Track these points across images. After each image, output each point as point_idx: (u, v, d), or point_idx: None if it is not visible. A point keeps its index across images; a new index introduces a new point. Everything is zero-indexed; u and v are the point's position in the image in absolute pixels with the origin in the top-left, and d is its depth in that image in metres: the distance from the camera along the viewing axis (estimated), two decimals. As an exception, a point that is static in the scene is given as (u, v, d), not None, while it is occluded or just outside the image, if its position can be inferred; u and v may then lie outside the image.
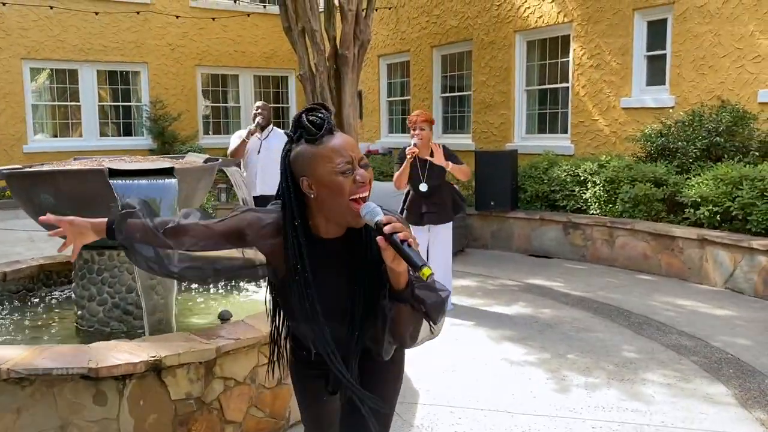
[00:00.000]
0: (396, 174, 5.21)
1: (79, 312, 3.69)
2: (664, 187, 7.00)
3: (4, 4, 12.63)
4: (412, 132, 5.20)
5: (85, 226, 1.83)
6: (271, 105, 11.88)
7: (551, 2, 9.59)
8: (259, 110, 6.15)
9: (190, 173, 3.52)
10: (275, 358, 1.95)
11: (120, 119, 14.66)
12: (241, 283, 4.69)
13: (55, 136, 14.05)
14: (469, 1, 11.00)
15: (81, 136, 14.12)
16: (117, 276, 3.62)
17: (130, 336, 3.60)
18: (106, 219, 1.81)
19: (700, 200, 6.46)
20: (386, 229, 1.53)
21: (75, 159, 4.04)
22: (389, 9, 12.68)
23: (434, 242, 5.36)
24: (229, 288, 4.62)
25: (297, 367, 2.01)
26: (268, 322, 1.99)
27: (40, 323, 3.89)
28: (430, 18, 11.88)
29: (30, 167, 3.54)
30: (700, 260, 6.28)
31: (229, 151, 6.21)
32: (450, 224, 5.38)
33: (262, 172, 6.05)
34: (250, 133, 5.99)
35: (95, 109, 14.15)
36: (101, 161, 3.65)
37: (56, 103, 14.01)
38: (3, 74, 13.07)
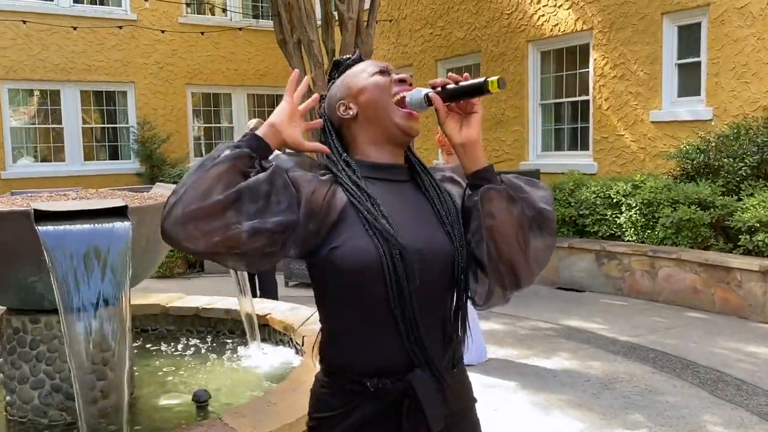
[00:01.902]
0: None
1: (8, 398, 2.81)
2: (711, 210, 6.16)
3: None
4: (445, 155, 4.67)
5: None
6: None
7: (568, 9, 8.81)
8: (254, 130, 5.35)
9: (151, 212, 2.64)
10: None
11: (106, 142, 13.82)
12: (226, 340, 3.83)
13: (37, 161, 13.20)
14: (476, 11, 10.24)
15: (64, 160, 13.27)
16: (56, 349, 2.73)
17: (75, 429, 2.72)
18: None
19: (758, 225, 5.61)
20: (435, 82, 1.28)
21: (12, 193, 3.18)
22: (389, 21, 11.93)
23: None
24: (209, 347, 3.74)
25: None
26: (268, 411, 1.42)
27: (-38, 408, 2.99)
28: (434, 30, 11.11)
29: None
30: (764, 295, 5.41)
31: None
32: None
33: None
34: None
35: (79, 132, 13.30)
36: (38, 197, 2.78)
37: (37, 125, 13.18)
38: (-21, 96, 12.25)
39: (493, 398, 3.92)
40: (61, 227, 2.28)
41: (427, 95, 1.29)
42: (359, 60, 1.43)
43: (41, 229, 2.27)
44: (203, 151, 14.46)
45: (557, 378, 4.24)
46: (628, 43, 8.09)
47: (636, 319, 5.59)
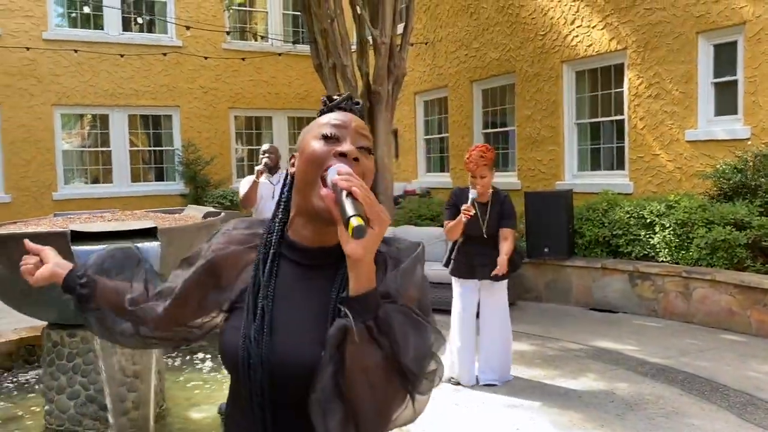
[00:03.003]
0: (448, 225, 4.46)
1: (47, 407, 2.98)
2: (748, 230, 6.05)
3: (28, 49, 12.46)
4: (471, 179, 4.42)
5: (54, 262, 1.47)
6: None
7: (602, 29, 8.82)
8: (266, 153, 5.54)
9: (180, 234, 2.81)
10: None
11: (152, 164, 14.30)
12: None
13: (86, 183, 13.74)
14: (510, 32, 10.32)
15: (112, 182, 13.78)
16: (92, 363, 2.91)
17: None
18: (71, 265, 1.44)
19: (796, 246, 5.50)
20: (334, 178, 1.09)
21: (55, 215, 3.39)
22: (425, 44, 12.10)
23: (487, 303, 4.57)
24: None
25: None
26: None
27: (8, 416, 3.19)
28: (468, 51, 11.22)
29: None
30: (802, 318, 5.29)
31: (240, 197, 5.59)
32: (506, 283, 4.58)
33: None
34: (259, 173, 5.36)
35: (127, 155, 13.82)
36: (77, 218, 2.97)
37: (87, 149, 13.74)
38: (34, 121, 12.85)
39: (516, 417, 3.95)
40: (95, 247, 2.45)
41: (332, 182, 1.11)
42: (348, 103, 1.31)
43: (76, 248, 2.44)
44: (245, 173, 14.80)
45: (582, 399, 4.23)
46: (663, 63, 8.04)
47: (668, 341, 5.52)
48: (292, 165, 1.27)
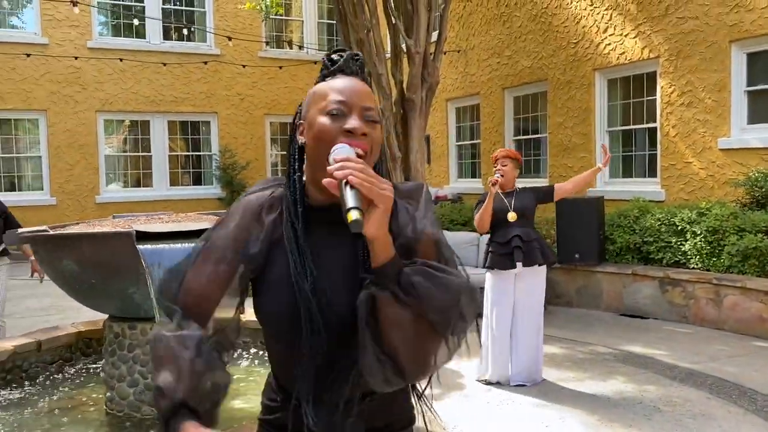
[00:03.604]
0: (478, 214, 4.64)
1: (108, 393, 3.23)
2: (780, 238, 6.09)
3: (76, 58, 12.96)
4: (495, 170, 4.76)
5: None
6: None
7: (635, 38, 8.88)
8: None
9: (232, 234, 3.03)
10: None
11: (190, 168, 14.72)
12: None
13: (127, 187, 14.19)
14: (543, 40, 10.43)
15: (152, 185, 14.21)
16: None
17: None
18: None
19: (828, 254, 5.53)
20: (330, 168, 1.14)
21: (113, 216, 3.64)
22: (458, 52, 12.26)
23: (523, 291, 4.68)
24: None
25: None
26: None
27: (68, 404, 3.44)
28: (501, 59, 11.35)
29: (55, 228, 3.14)
30: (833, 326, 5.32)
31: None
32: (542, 272, 4.71)
33: None
34: None
35: (166, 159, 14.26)
36: (136, 220, 3.22)
37: (128, 153, 14.19)
38: (79, 127, 13.35)
39: (545, 416, 4.09)
40: (158, 246, 2.68)
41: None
42: (352, 65, 1.30)
43: (141, 247, 2.67)
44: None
45: (611, 400, 4.35)
46: (695, 71, 8.08)
47: (698, 347, 5.59)
48: (301, 133, 1.30)
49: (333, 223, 1.24)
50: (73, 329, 4.18)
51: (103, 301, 3.14)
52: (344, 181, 1.11)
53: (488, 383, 4.75)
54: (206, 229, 2.83)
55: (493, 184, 4.58)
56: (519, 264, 4.61)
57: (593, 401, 4.34)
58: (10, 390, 3.62)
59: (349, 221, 1.08)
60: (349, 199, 1.10)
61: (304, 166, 1.30)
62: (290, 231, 1.25)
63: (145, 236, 2.73)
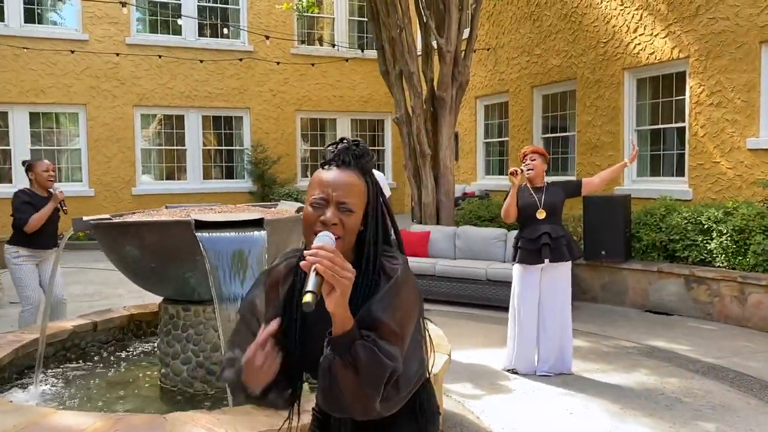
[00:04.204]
0: (504, 205, 4.87)
1: (163, 370, 3.50)
2: (806, 238, 6.16)
3: (117, 55, 13.38)
4: (523, 165, 4.96)
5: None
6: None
7: (665, 38, 8.95)
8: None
9: (280, 224, 3.27)
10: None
11: (222, 162, 15.07)
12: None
13: (162, 179, 14.59)
14: (572, 39, 10.53)
15: (186, 179, 14.60)
16: (202, 333, 3.40)
17: (215, 398, 3.36)
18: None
19: None
20: (306, 252, 1.38)
21: (167, 206, 3.91)
22: (487, 50, 12.40)
23: (549, 286, 4.86)
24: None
25: None
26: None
27: (124, 379, 3.72)
28: (530, 58, 11.47)
29: (117, 217, 3.41)
30: None
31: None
32: (567, 267, 4.88)
33: None
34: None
35: (200, 153, 14.63)
36: (190, 210, 3.47)
37: (163, 147, 14.59)
38: (116, 121, 13.78)
39: (569, 404, 4.27)
40: (215, 234, 2.93)
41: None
42: (340, 158, 1.54)
43: (199, 235, 2.92)
44: (309, 173, 15.40)
45: (634, 391, 4.52)
46: (725, 71, 8.14)
47: (721, 343, 5.71)
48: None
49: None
50: (125, 312, 4.47)
51: (160, 284, 3.40)
52: (312, 267, 1.33)
53: (515, 373, 4.94)
54: (256, 220, 3.07)
55: (513, 174, 4.79)
56: (546, 260, 4.78)
57: (616, 391, 4.51)
58: (71, 365, 3.91)
59: (303, 301, 1.31)
60: (309, 283, 1.32)
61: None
62: (292, 305, 1.54)
63: (202, 225, 2.98)
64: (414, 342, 1.54)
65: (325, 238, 1.43)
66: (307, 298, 1.31)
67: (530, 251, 4.81)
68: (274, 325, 1.47)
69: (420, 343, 1.58)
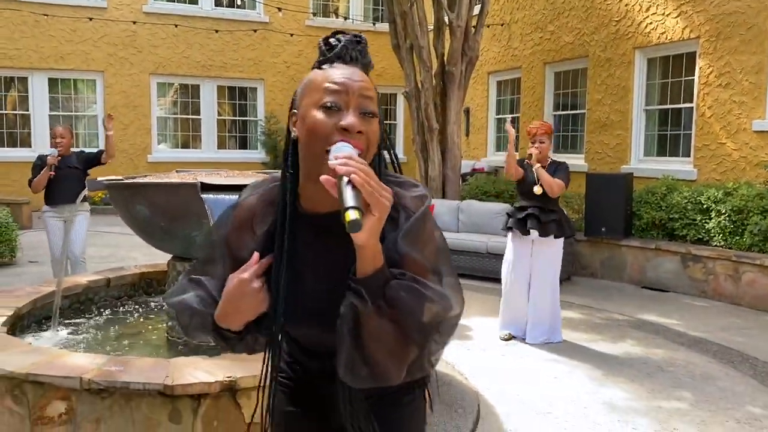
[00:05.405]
0: (506, 166, 5.13)
1: (170, 323, 3.73)
2: (802, 219, 6.27)
3: (134, 23, 13.54)
4: (531, 145, 5.07)
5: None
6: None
7: (676, 17, 8.96)
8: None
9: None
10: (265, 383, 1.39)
11: (236, 133, 15.27)
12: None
13: (176, 147, 14.83)
14: (585, 17, 10.54)
15: (200, 147, 14.83)
16: (206, 289, 3.63)
17: (217, 349, 3.60)
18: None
19: None
20: (332, 162, 1.09)
21: (177, 171, 4.12)
22: (501, 26, 12.42)
23: (538, 259, 5.05)
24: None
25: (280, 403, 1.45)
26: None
27: (134, 331, 3.97)
28: (543, 34, 11.49)
29: (129, 179, 3.63)
30: None
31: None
32: (558, 243, 5.05)
33: None
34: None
35: (214, 123, 14.83)
36: (197, 174, 3.68)
37: (179, 116, 14.80)
38: (133, 88, 13.99)
39: (556, 369, 4.48)
40: (219, 196, 3.13)
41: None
42: (350, 51, 1.24)
43: (205, 196, 3.13)
44: (321, 144, 15.50)
45: (618, 359, 4.72)
46: (734, 53, 8.17)
47: (711, 319, 5.87)
48: (294, 124, 1.25)
49: (323, 229, 1.25)
50: (136, 270, 4.72)
51: (169, 242, 3.63)
52: (345, 178, 1.06)
53: (507, 339, 5.15)
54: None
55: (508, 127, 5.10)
56: (535, 232, 4.96)
57: (602, 359, 4.71)
58: (84, 317, 4.17)
59: (346, 221, 1.04)
60: (349, 197, 1.05)
61: (300, 167, 1.25)
62: (279, 244, 1.26)
63: (208, 187, 3.18)
64: (452, 283, 1.25)
65: (346, 148, 1.13)
66: (353, 215, 1.03)
67: (516, 220, 5.01)
68: (267, 259, 1.24)
69: (458, 284, 1.27)
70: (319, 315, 1.24)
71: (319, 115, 1.18)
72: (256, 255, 1.25)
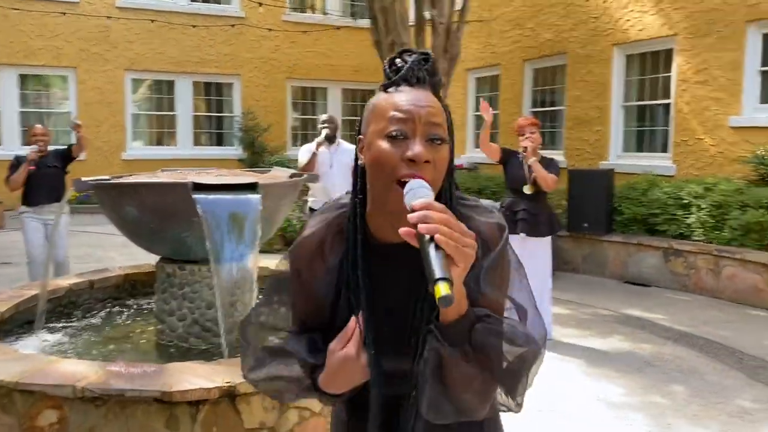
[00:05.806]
0: (481, 146, 5.12)
1: (159, 326, 3.66)
2: (781, 214, 6.38)
3: (108, 18, 13.27)
4: (520, 138, 5.01)
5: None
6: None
7: (654, 14, 9.05)
8: (326, 123, 5.99)
9: (274, 189, 3.41)
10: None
11: (213, 129, 15.08)
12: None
13: (152, 145, 14.59)
14: (564, 13, 10.59)
15: (176, 144, 14.61)
16: (198, 291, 3.55)
17: (209, 353, 3.53)
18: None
19: (823, 231, 5.83)
20: (411, 217, 1.00)
21: (162, 170, 4.03)
22: (480, 22, 12.42)
23: (527, 256, 5.03)
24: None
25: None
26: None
27: (121, 334, 3.88)
28: (523, 31, 11.53)
29: (116, 178, 3.54)
30: (823, 298, 5.65)
31: (299, 166, 6.04)
32: (547, 241, 5.06)
33: (333, 188, 5.85)
34: (318, 145, 5.76)
35: (190, 119, 14.62)
36: (187, 173, 3.60)
37: (154, 113, 14.56)
38: (107, 85, 13.73)
39: (546, 365, 4.46)
40: (212, 196, 3.06)
41: (412, 209, 1.03)
42: (417, 73, 1.17)
43: (197, 196, 3.05)
44: (299, 141, 15.43)
45: (608, 354, 4.75)
46: (711, 50, 8.27)
47: (694, 312, 5.95)
48: (361, 150, 1.20)
49: (393, 258, 1.19)
50: (120, 271, 4.62)
51: (159, 244, 3.54)
52: (427, 236, 0.98)
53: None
54: (251, 183, 3.19)
55: (484, 109, 4.99)
56: (523, 234, 4.96)
57: (591, 354, 4.74)
58: (69, 321, 4.06)
59: (437, 296, 0.94)
60: (436, 266, 0.96)
61: (367, 193, 1.20)
62: (354, 283, 1.20)
63: (199, 187, 3.11)
64: (534, 320, 1.24)
65: (423, 190, 1.06)
66: (444, 290, 0.94)
67: (507, 218, 4.99)
68: (354, 320, 1.17)
69: (539, 317, 1.26)
70: (395, 343, 1.19)
71: (384, 145, 1.12)
72: (353, 321, 1.18)
